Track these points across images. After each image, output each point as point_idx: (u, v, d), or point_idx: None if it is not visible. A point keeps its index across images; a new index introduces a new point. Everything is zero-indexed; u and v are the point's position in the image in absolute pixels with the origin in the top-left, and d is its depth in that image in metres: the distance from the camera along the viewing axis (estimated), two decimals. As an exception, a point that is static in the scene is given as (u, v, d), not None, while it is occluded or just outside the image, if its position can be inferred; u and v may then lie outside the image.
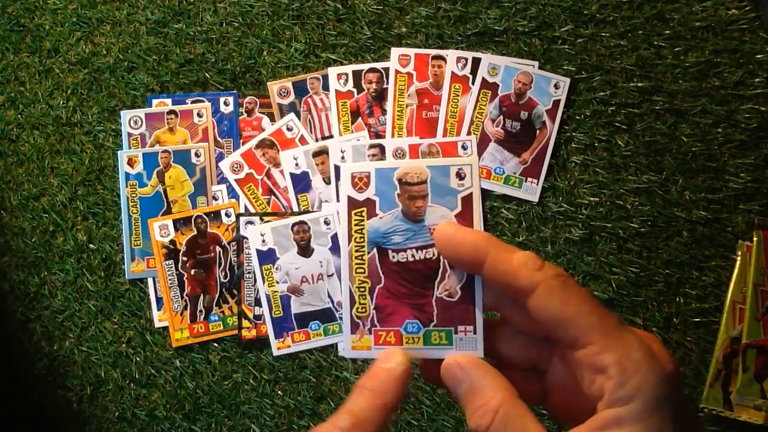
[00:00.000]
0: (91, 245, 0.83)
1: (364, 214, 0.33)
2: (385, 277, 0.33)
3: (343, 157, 0.80)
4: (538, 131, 0.80)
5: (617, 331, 0.27)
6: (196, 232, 0.81)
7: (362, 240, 0.33)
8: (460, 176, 0.32)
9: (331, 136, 0.82)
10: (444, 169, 0.32)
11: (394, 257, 0.33)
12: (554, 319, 0.28)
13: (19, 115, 0.86)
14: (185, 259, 0.81)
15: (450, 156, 0.80)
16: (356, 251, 0.33)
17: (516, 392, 0.29)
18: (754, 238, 0.74)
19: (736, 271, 0.75)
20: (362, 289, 0.33)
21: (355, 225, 0.33)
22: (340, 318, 0.78)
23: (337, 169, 0.81)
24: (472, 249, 0.30)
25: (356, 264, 0.33)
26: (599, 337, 0.27)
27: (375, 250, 0.33)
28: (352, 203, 0.33)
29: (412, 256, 0.33)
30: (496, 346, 0.33)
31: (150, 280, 0.82)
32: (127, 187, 0.82)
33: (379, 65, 0.82)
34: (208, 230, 0.81)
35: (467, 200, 0.32)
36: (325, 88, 0.82)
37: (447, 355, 0.32)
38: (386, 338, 0.33)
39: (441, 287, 0.32)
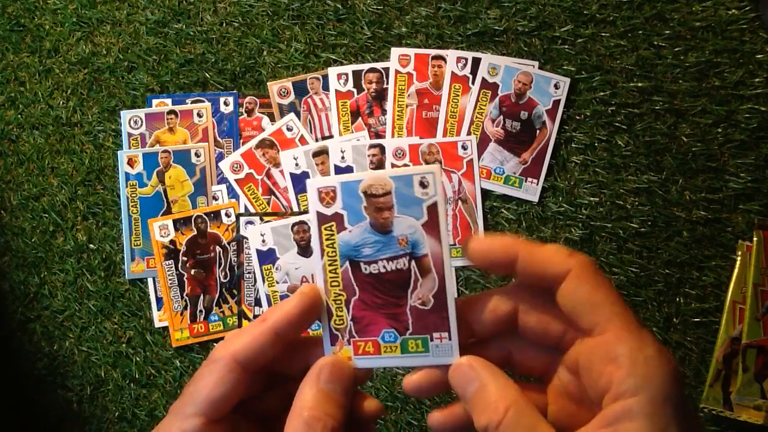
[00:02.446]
0: (91, 245, 0.83)
1: (333, 228, 0.33)
2: (360, 289, 0.33)
3: (343, 157, 0.80)
4: (538, 131, 0.80)
5: (636, 327, 0.28)
6: (196, 232, 0.81)
7: (334, 254, 0.33)
8: (423, 185, 0.32)
9: (331, 136, 0.82)
10: (407, 178, 0.32)
11: (366, 269, 0.33)
12: (582, 303, 0.29)
13: (19, 115, 0.86)
14: (185, 259, 0.81)
15: (450, 156, 0.80)
16: (329, 265, 0.34)
17: (523, 392, 0.30)
18: (754, 238, 0.74)
19: (736, 271, 0.75)
20: (338, 302, 0.34)
21: (326, 239, 0.33)
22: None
23: (337, 169, 0.81)
24: (503, 249, 0.31)
25: (330, 278, 0.34)
26: (617, 328, 0.28)
27: (347, 263, 0.33)
28: (321, 218, 0.33)
29: (384, 267, 0.33)
30: (508, 354, 0.34)
31: (150, 280, 0.82)
32: (127, 187, 0.82)
33: (379, 65, 0.82)
34: (208, 230, 0.81)
35: (432, 209, 0.32)
36: (325, 88, 0.82)
37: (424, 362, 0.33)
38: (365, 348, 0.33)
39: (414, 296, 0.33)
